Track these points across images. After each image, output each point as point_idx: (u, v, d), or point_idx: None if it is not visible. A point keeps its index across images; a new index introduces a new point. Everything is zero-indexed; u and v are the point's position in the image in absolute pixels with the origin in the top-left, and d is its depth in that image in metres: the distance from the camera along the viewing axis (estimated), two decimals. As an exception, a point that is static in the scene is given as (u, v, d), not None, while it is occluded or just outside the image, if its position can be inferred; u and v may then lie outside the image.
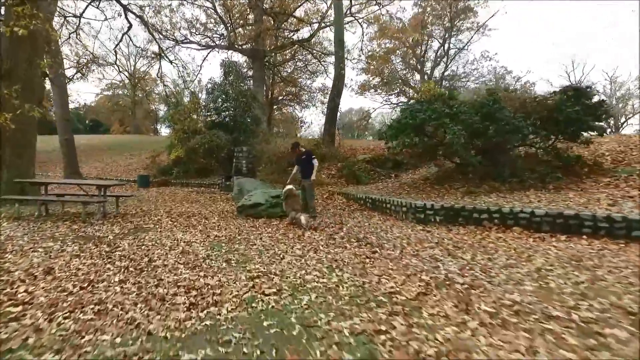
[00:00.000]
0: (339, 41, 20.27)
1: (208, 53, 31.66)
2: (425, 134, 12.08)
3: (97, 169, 24.26)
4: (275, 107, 41.40)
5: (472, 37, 35.88)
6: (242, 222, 8.89)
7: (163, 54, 24.20)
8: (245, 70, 27.69)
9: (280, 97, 41.26)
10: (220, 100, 21.89)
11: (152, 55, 30.28)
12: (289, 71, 37.49)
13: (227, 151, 19.70)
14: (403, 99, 41.41)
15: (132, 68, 45.65)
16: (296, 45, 31.34)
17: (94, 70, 28.84)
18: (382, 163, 16.34)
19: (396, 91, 40.87)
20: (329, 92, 21.41)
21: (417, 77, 40.58)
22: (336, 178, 16.50)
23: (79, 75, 29.75)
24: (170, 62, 23.32)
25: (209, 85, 22.66)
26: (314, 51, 31.57)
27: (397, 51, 39.36)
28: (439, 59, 39.61)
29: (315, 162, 9.65)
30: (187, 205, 12.23)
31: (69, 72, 28.32)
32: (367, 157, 17.29)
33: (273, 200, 9.89)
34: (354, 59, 33.16)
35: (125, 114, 50.26)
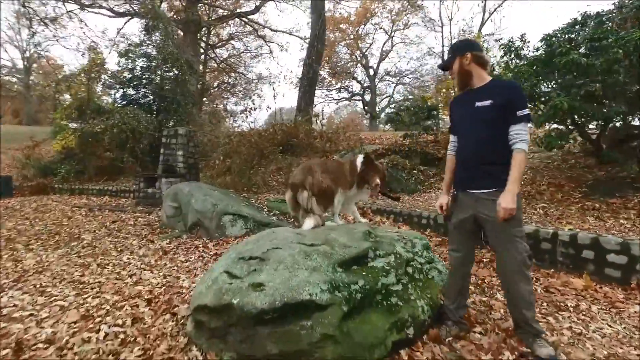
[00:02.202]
0: (316, -12, 12.89)
1: (125, 23, 22.09)
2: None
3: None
4: (205, 99, 32.32)
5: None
6: None
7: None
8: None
9: (212, 89, 32.27)
10: (139, 67, 13.33)
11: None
12: (225, 56, 28.91)
13: (150, 140, 11.33)
14: (345, 94, 35.17)
15: (25, 44, 33.43)
16: (237, 19, 23.20)
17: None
18: (407, 158, 9.23)
19: (337, 86, 34.38)
20: (304, 57, 13.75)
21: (362, 70, 34.35)
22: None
23: None
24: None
25: (122, 47, 13.94)
26: (259, 27, 23.51)
27: (342, 42, 32.81)
28: (384, 54, 33.75)
29: (524, 131, 2.09)
30: (21, 280, 4.05)
31: None
32: (378, 148, 10.06)
33: (354, 282, 2.23)
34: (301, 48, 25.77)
35: (19, 101, 37.31)
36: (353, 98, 35.73)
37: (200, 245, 4.86)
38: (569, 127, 5.55)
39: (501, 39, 5.69)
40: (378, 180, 2.71)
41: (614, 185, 5.39)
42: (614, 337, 2.53)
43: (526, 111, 2.10)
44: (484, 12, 11.63)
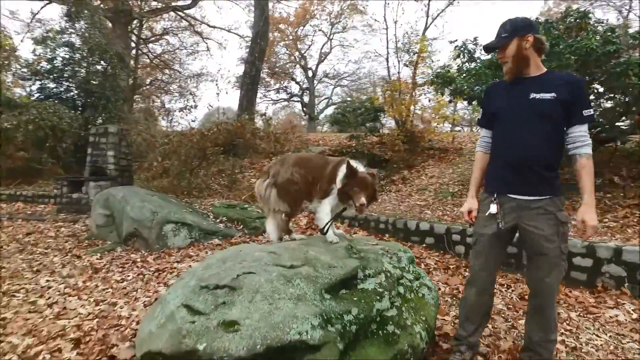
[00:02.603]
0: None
1: (42, 7, 19.65)
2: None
3: None
4: (138, 96, 29.85)
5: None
6: None
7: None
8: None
9: (145, 86, 29.91)
10: (60, 58, 11.84)
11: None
12: (159, 52, 26.99)
13: (74, 138, 10.04)
14: (284, 95, 34.69)
15: None
16: (172, 13, 21.75)
17: None
18: (354, 159, 9.02)
19: (276, 86, 33.82)
20: (246, 55, 13.10)
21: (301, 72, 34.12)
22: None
23: None
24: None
25: (38, 33, 12.31)
26: (196, 22, 22.26)
27: (281, 43, 32.29)
28: (323, 56, 33.74)
29: (587, 133, 1.86)
30: None
31: None
32: (324, 149, 9.76)
33: (346, 311, 1.82)
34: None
35: None
36: (291, 99, 35.36)
37: (139, 260, 4.17)
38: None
39: (455, 40, 5.57)
40: (364, 199, 2.12)
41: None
42: (606, 349, 2.39)
43: (592, 111, 1.85)
44: (427, 16, 11.97)
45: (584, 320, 2.80)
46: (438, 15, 13.57)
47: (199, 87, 29.37)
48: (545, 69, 1.95)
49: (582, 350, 2.34)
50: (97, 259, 4.18)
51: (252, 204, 6.93)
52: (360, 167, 2.22)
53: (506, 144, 1.97)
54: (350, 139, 10.35)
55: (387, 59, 11.49)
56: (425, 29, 12.55)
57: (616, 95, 5.12)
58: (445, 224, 4.67)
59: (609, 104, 5.61)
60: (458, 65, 5.91)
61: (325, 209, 2.32)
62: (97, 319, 2.58)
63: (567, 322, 2.74)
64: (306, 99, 34.58)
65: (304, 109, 34.76)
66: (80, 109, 11.56)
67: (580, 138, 1.83)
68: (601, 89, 5.42)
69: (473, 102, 5.90)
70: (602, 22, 5.09)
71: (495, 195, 1.98)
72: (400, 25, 37.28)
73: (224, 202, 6.84)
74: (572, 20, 5.08)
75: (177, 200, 6.22)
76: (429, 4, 12.17)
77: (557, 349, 2.33)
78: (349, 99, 31.05)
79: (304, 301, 1.76)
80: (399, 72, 10.06)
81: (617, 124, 5.52)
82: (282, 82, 33.88)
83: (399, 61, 10.17)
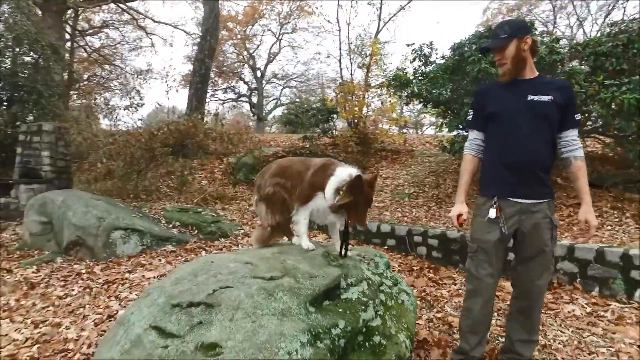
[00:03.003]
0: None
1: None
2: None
3: None
4: (75, 93, 27.50)
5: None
6: None
7: None
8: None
9: (82, 82, 27.65)
10: (-21, 46, 10.61)
11: None
12: (98, 46, 25.13)
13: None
14: (231, 95, 33.88)
15: None
16: (112, 5, 20.34)
17: None
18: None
19: (224, 86, 32.97)
20: (196, 53, 12.53)
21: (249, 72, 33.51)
22: (240, 187, 8.43)
23: None
24: None
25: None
26: (140, 16, 21.05)
27: (229, 41, 31.48)
28: (272, 56, 33.33)
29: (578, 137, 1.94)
30: None
31: None
32: (277, 150, 9.58)
33: (333, 325, 1.69)
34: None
35: None
36: (240, 99, 34.60)
37: (84, 271, 3.76)
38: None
39: (413, 43, 5.67)
40: (366, 218, 1.99)
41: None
42: (571, 344, 2.47)
43: (579, 115, 1.93)
44: (379, 20, 12.18)
45: (546, 317, 2.89)
46: (390, 19, 13.88)
47: (143, 85, 27.60)
48: (537, 73, 1.95)
49: (553, 348, 2.40)
50: (33, 272, 3.71)
51: (205, 208, 6.59)
52: (353, 171, 1.93)
53: (506, 146, 1.93)
54: (303, 140, 10.25)
55: (339, 61, 11.57)
56: (378, 32, 12.77)
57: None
58: (406, 225, 4.70)
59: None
60: (414, 69, 6.04)
61: (304, 214, 2.17)
62: (37, 345, 2.24)
63: (533, 319, 2.82)
64: (254, 99, 33.98)
65: (252, 109, 34.11)
66: (5, 103, 10.40)
67: (573, 142, 1.88)
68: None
69: (428, 105, 6.04)
70: (547, 33, 5.42)
71: (495, 199, 1.94)
72: (353, 27, 38.16)
73: (175, 205, 6.44)
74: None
75: (125, 204, 5.74)
76: (380, 8, 12.37)
77: (530, 348, 2.38)
78: (297, 100, 31.01)
79: (289, 316, 1.60)
80: (351, 74, 10.13)
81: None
82: (230, 81, 33.13)
83: (351, 63, 10.24)
